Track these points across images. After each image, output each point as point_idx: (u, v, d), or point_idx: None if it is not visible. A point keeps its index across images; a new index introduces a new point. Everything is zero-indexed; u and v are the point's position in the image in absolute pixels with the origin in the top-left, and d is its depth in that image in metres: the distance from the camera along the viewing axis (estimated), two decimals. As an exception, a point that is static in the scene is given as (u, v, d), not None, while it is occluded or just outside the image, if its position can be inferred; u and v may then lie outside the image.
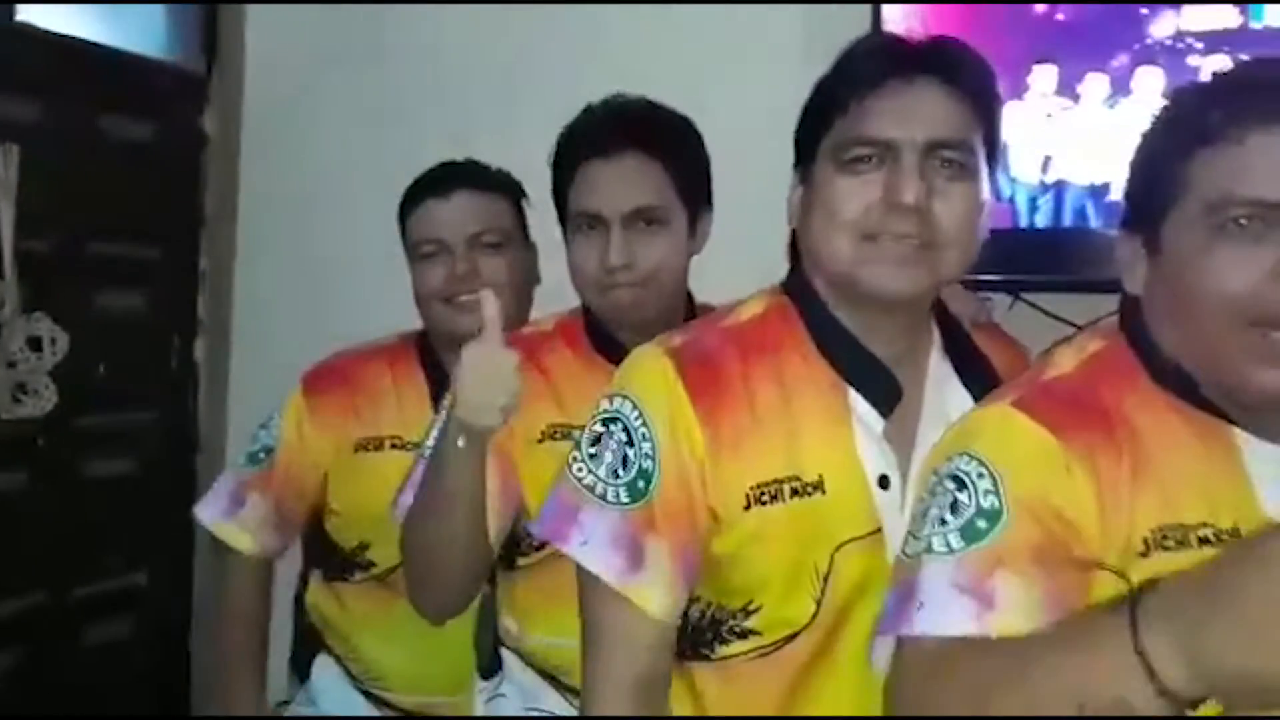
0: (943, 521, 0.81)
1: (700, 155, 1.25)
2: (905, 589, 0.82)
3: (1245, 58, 1.37)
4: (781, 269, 1.07)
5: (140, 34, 2.31)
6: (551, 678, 1.25)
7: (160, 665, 2.35)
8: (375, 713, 1.48)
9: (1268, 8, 1.36)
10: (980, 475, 0.80)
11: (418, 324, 1.48)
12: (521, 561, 1.25)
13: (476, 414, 1.08)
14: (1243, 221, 0.79)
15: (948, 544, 0.80)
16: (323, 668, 1.51)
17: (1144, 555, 0.79)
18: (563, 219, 1.26)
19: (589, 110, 1.24)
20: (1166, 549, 0.80)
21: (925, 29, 1.54)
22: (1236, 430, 0.84)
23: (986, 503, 0.79)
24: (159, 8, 2.35)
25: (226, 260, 2.43)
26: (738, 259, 1.28)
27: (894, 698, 0.83)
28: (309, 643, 1.53)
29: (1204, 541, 0.80)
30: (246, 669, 1.48)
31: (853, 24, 1.61)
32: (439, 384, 1.43)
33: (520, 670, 1.29)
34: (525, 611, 1.27)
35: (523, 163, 1.46)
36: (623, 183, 1.18)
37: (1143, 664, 0.64)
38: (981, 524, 0.79)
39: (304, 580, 1.56)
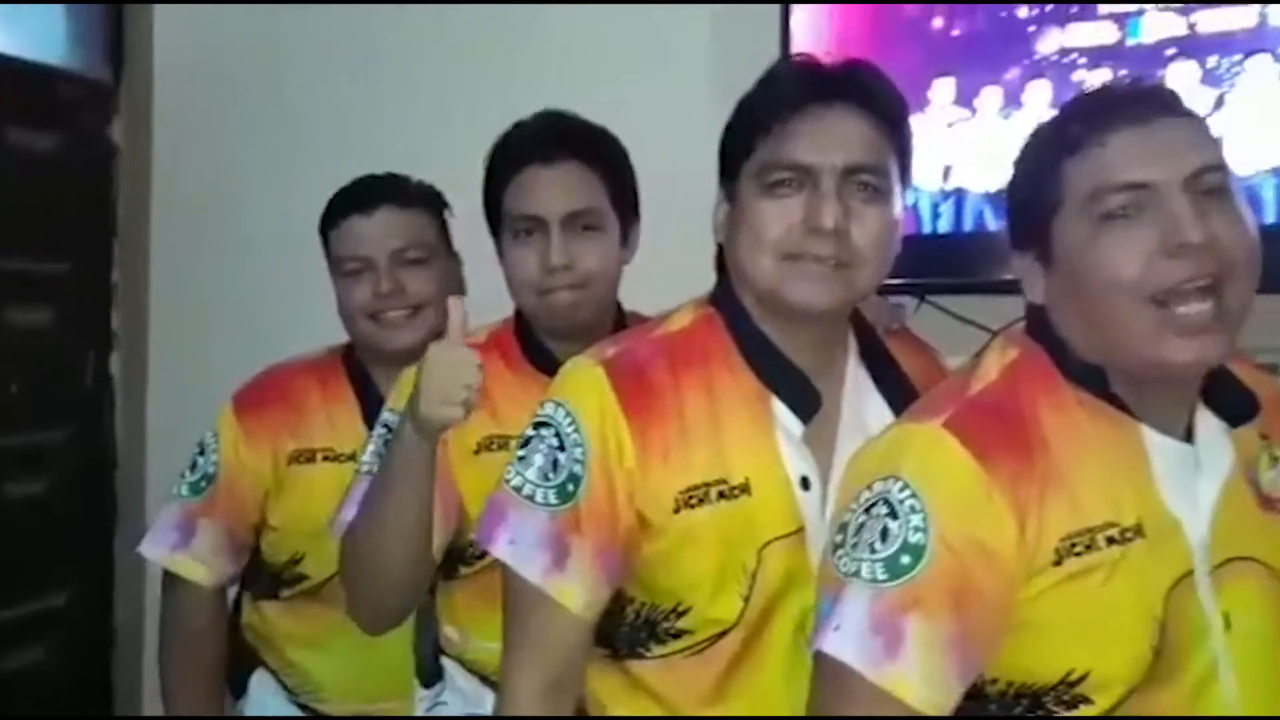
0: (873, 549, 0.86)
1: (630, 169, 1.31)
2: (831, 604, 0.88)
3: (1124, 71, 1.49)
4: (676, 277, 1.14)
5: (41, 42, 2.24)
6: (493, 684, 1.28)
7: (80, 691, 2.30)
8: None
9: (1144, 25, 1.46)
10: (912, 509, 0.85)
11: (339, 334, 1.49)
12: (464, 570, 1.29)
13: (438, 408, 1.11)
14: (1118, 210, 0.87)
15: (874, 574, 0.85)
16: (259, 684, 1.52)
17: (1057, 564, 0.86)
18: (494, 226, 1.30)
19: (522, 123, 1.29)
20: (1076, 554, 0.86)
21: (832, 42, 1.62)
22: (1142, 427, 0.91)
23: (914, 538, 0.84)
24: (60, 17, 2.29)
25: (141, 272, 2.38)
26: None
27: (812, 698, 0.90)
28: (244, 661, 1.53)
29: (1110, 541, 0.87)
30: (203, 701, 1.48)
31: (761, 32, 1.68)
32: (368, 398, 1.45)
33: (463, 678, 1.32)
34: (467, 619, 1.31)
35: (439, 171, 1.50)
36: (562, 187, 1.23)
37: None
38: (906, 559, 0.84)
39: (237, 601, 1.56)
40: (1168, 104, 0.91)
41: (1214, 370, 0.92)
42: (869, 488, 0.89)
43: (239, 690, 1.53)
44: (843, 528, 0.90)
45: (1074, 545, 0.86)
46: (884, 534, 0.86)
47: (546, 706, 1.02)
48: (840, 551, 0.89)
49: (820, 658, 0.87)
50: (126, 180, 2.36)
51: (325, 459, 1.45)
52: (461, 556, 1.29)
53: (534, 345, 1.29)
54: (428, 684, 1.36)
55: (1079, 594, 0.86)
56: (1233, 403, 0.94)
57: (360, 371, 1.48)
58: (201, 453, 1.48)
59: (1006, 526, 0.85)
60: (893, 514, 0.86)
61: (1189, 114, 0.91)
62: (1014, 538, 0.85)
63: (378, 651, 1.38)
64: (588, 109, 1.29)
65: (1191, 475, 0.92)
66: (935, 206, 1.62)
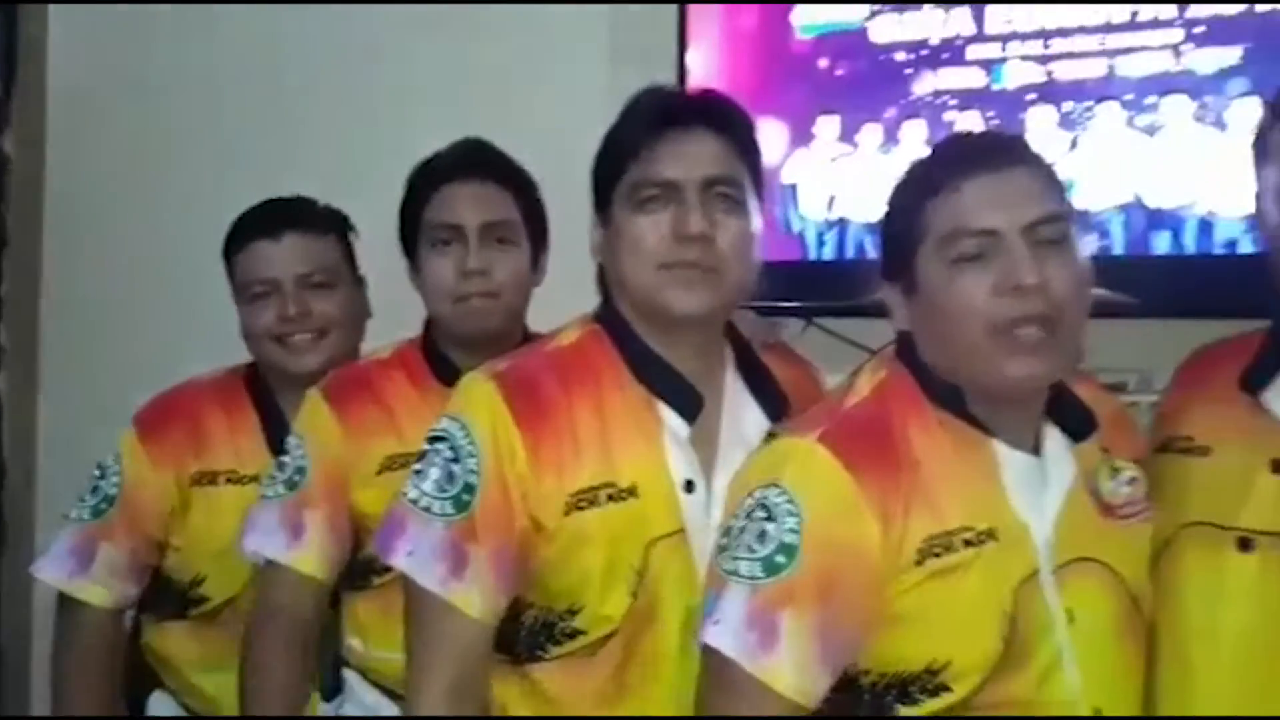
0: (751, 550, 0.94)
1: (540, 200, 1.39)
2: (713, 600, 0.96)
3: (991, 113, 1.61)
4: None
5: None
6: (394, 695, 1.32)
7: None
8: None
9: (1006, 72, 1.59)
10: (788, 513, 0.94)
11: (231, 349, 1.50)
12: (376, 581, 1.33)
13: None
14: (970, 252, 0.97)
15: (752, 573, 0.94)
16: (157, 704, 1.51)
17: (919, 564, 0.96)
18: (410, 241, 1.36)
19: (439, 153, 1.38)
20: (936, 555, 0.96)
21: (725, 81, 1.71)
22: (995, 442, 1.01)
23: (788, 539, 0.93)
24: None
25: (31, 285, 2.33)
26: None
27: (698, 689, 0.98)
28: (143, 682, 1.52)
29: (967, 543, 0.97)
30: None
31: (659, 74, 1.75)
32: (272, 420, 1.46)
33: (364, 689, 1.36)
34: (368, 629, 1.35)
35: (335, 192, 1.53)
36: (480, 200, 1.33)
37: None
38: (780, 559, 0.93)
39: (136, 623, 1.54)
40: (1020, 154, 1.02)
41: (1058, 390, 1.03)
42: (750, 495, 0.97)
43: (136, 711, 1.51)
44: (727, 531, 0.98)
45: (934, 547, 0.96)
46: (761, 536, 0.94)
47: (451, 710, 1.06)
48: (724, 552, 0.97)
49: (705, 650, 0.95)
50: (18, 192, 2.31)
51: (228, 481, 1.45)
52: (371, 568, 1.32)
53: (440, 360, 1.34)
54: (328, 697, 1.38)
55: (939, 590, 0.96)
56: (1074, 420, 1.04)
57: (265, 393, 1.49)
58: (102, 475, 1.46)
59: (871, 530, 0.94)
60: (770, 517, 0.95)
61: (1038, 163, 1.02)
62: (878, 540, 0.94)
63: None
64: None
65: (1039, 485, 1.02)
66: (820, 235, 1.72)
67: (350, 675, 1.37)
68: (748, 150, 1.12)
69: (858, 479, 0.95)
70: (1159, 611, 1.06)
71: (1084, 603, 1.01)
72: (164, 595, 1.48)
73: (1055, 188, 1.01)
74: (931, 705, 0.97)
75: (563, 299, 1.23)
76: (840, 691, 0.98)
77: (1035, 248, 0.95)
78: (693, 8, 1.73)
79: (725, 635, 0.93)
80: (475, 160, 1.36)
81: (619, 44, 1.92)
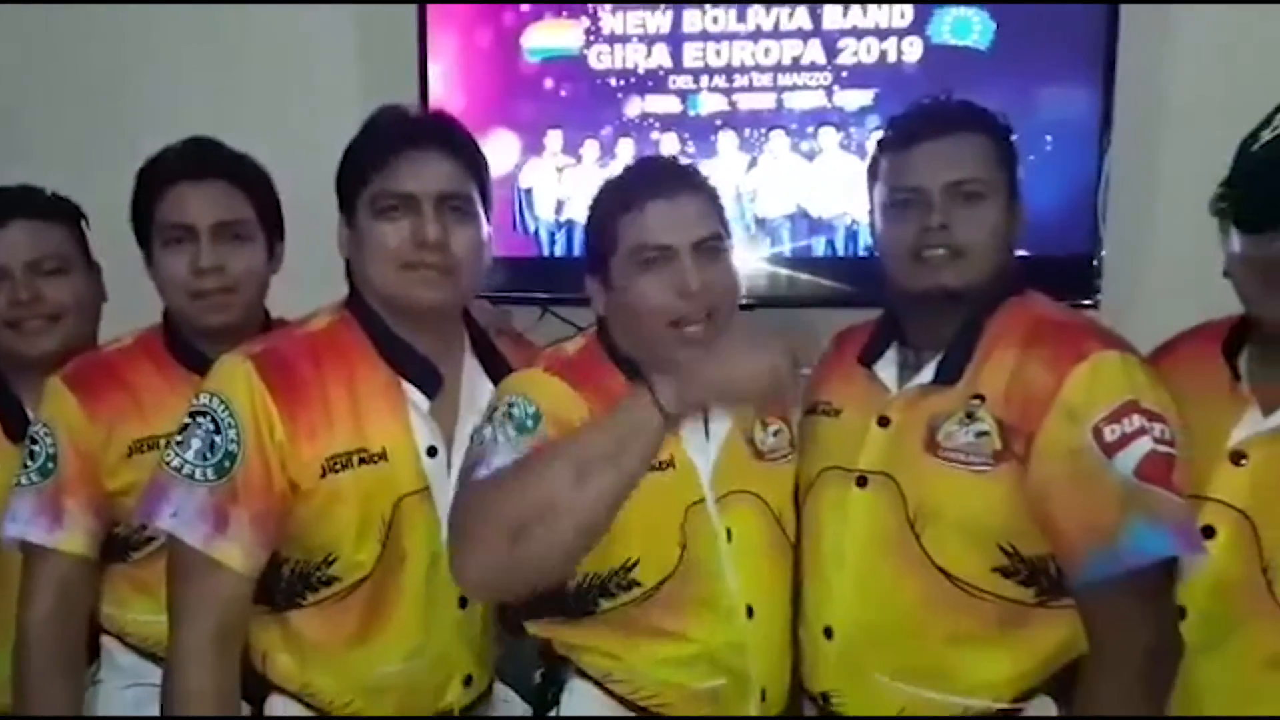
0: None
1: (273, 192, 1.48)
2: (473, 461, 1.20)
3: (687, 134, 1.90)
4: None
5: None
6: (151, 655, 1.41)
7: None
8: None
9: (700, 100, 1.89)
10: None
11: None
12: (134, 556, 1.42)
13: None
14: (650, 262, 1.22)
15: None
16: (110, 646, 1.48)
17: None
18: (142, 235, 1.43)
19: (170, 148, 1.43)
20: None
21: (465, 96, 1.90)
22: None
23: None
24: None
25: None
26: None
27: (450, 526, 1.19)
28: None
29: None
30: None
31: (404, 86, 1.92)
32: (8, 405, 1.49)
33: (121, 653, 1.44)
34: (126, 600, 1.43)
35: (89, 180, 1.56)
36: (212, 200, 1.40)
37: (654, 401, 1.12)
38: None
39: None
40: (691, 181, 1.28)
41: None
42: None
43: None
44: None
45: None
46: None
47: (214, 655, 1.19)
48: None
49: (463, 487, 1.20)
50: None
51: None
52: (128, 544, 1.41)
53: (184, 346, 1.43)
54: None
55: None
56: None
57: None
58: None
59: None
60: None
61: (705, 188, 1.28)
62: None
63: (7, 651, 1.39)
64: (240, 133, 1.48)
65: (703, 432, 1.29)
66: (552, 235, 1.95)
67: (107, 641, 1.44)
68: (476, 168, 1.31)
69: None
70: (806, 538, 1.35)
71: (739, 524, 1.29)
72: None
73: (717, 209, 1.29)
74: (624, 598, 1.23)
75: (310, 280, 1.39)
76: (552, 596, 1.23)
77: (699, 259, 1.22)
78: (433, 29, 1.89)
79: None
80: (205, 159, 1.41)
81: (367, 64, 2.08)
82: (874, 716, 1.28)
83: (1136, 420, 1.14)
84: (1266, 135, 1.16)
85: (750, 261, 1.85)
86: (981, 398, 1.23)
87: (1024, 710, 1.23)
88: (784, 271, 1.88)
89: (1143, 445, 1.13)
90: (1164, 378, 1.22)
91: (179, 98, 2.14)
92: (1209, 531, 1.17)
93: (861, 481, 1.30)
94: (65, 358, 1.46)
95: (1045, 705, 1.23)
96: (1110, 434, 1.14)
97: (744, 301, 1.30)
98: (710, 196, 1.29)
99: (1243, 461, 1.17)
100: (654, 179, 1.27)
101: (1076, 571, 1.16)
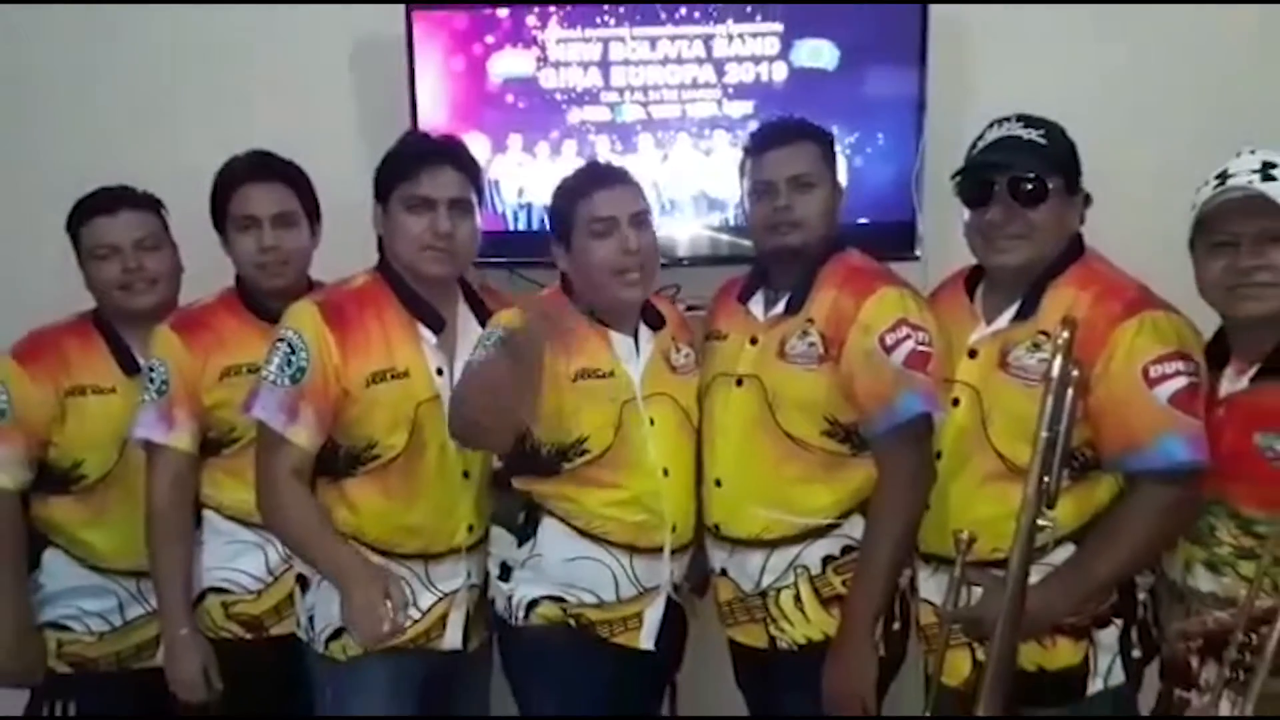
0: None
1: (312, 188, 2.06)
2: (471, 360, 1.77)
3: (616, 138, 2.47)
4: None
5: None
6: (242, 521, 1.98)
7: None
8: (98, 579, 2.04)
9: (624, 110, 2.46)
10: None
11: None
12: (225, 452, 1.99)
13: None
14: (600, 231, 1.79)
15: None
16: (51, 557, 2.04)
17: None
18: (219, 223, 2.00)
19: (238, 158, 2.01)
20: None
21: (447, 107, 2.45)
22: (611, 332, 1.85)
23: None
24: None
25: None
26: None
27: None
28: (35, 542, 2.04)
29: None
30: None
31: (395, 98, 2.46)
32: (120, 347, 2.04)
33: (219, 520, 2.01)
34: (221, 483, 2.00)
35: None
36: (271, 196, 1.99)
37: None
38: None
39: (24, 499, 2.03)
40: (623, 176, 1.86)
41: (646, 304, 1.90)
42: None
43: (32, 561, 2.03)
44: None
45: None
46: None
47: (288, 490, 1.77)
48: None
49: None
50: None
51: (94, 393, 2.01)
52: (220, 443, 1.98)
53: (253, 301, 2.01)
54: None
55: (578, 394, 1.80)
56: (653, 318, 1.92)
57: (110, 329, 2.07)
58: None
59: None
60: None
61: (633, 180, 1.86)
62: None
63: (139, 522, 1.97)
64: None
65: (635, 353, 1.88)
66: (515, 214, 2.50)
67: (207, 513, 2.00)
68: (476, 178, 1.89)
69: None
70: (703, 421, 1.94)
71: (659, 414, 1.88)
72: (49, 478, 2.02)
73: (642, 195, 1.86)
74: (579, 461, 1.82)
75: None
76: (530, 460, 1.82)
77: (634, 227, 1.80)
78: (419, 55, 2.44)
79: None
80: (266, 166, 2.00)
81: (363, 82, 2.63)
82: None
83: (904, 330, 1.76)
84: (980, 144, 1.77)
85: (669, 230, 2.42)
86: (813, 320, 1.84)
87: (842, 526, 1.85)
88: (689, 235, 2.50)
89: (908, 345, 1.75)
90: (931, 305, 1.84)
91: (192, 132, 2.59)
92: (956, 402, 1.80)
93: (739, 382, 1.88)
94: (160, 312, 2.02)
95: (857, 521, 1.85)
96: (889, 340, 1.76)
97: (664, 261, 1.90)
98: (637, 186, 1.86)
99: (974, 355, 1.80)
100: (598, 175, 1.87)
101: (870, 426, 1.78)
